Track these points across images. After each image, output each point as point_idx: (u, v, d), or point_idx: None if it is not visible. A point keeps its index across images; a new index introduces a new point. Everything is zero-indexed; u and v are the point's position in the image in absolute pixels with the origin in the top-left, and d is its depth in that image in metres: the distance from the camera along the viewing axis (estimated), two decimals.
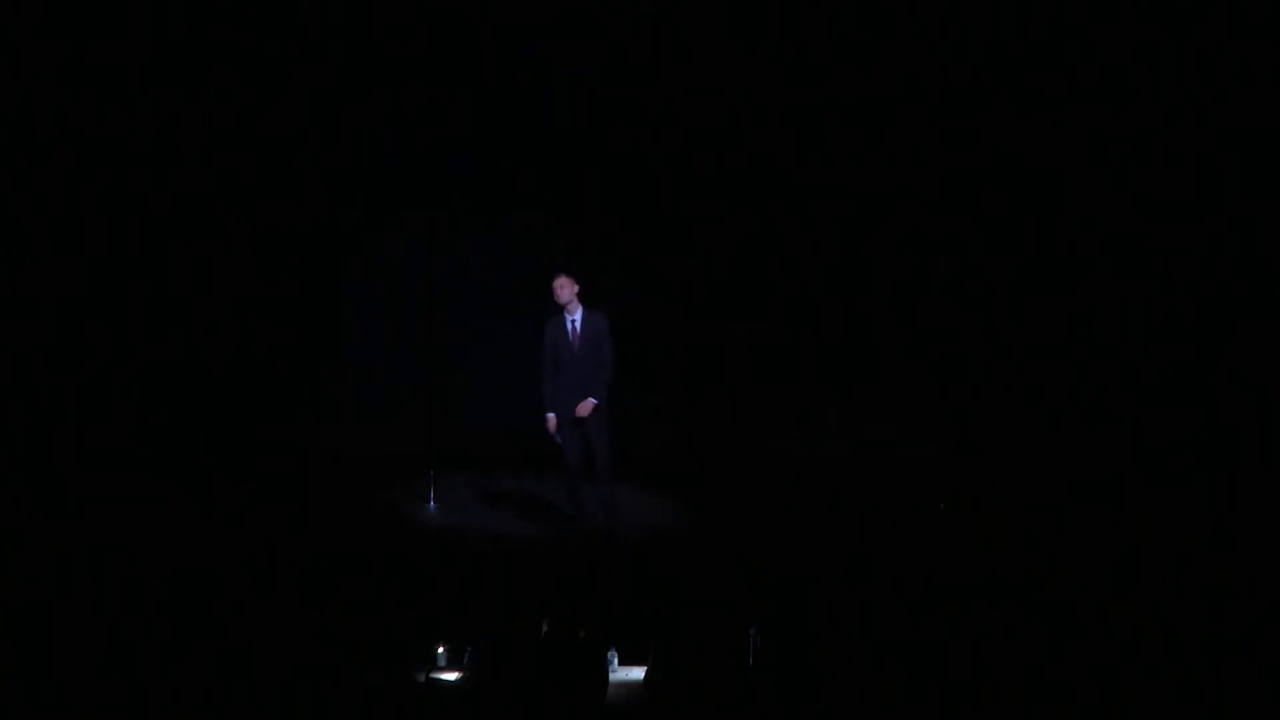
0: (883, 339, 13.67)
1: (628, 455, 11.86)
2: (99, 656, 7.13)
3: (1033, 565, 9.86)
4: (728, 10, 13.52)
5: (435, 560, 10.01)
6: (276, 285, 13.75)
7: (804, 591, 8.99)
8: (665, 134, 13.67)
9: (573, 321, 10.76)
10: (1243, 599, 8.75)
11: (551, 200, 13.73)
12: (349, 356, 13.84)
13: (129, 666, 6.95)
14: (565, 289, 10.69)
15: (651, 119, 13.66)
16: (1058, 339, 13.79)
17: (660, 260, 13.82)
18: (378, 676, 6.96)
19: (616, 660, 8.08)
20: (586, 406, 10.65)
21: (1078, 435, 13.82)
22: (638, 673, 7.87)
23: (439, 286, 12.09)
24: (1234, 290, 13.55)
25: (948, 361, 12.96)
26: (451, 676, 7.86)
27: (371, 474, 12.86)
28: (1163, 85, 13.24)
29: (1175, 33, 13.07)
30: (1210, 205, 13.44)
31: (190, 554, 10.15)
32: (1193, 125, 13.27)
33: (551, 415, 10.67)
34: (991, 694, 6.68)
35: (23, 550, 10.08)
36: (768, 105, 13.59)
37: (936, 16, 12.67)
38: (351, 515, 11.28)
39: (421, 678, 7.48)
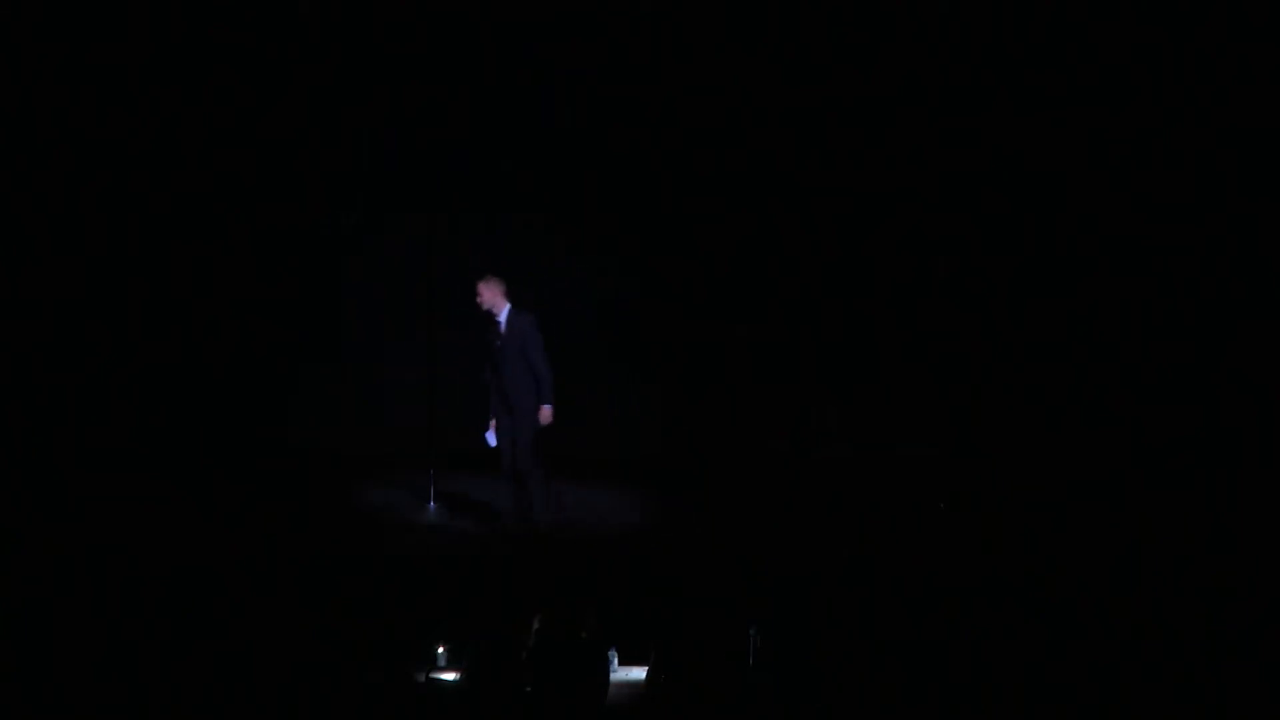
0: (883, 339, 13.66)
1: (627, 458, 11.91)
2: (99, 656, 7.13)
3: (1033, 565, 9.85)
4: (728, 10, 13.51)
5: (435, 560, 10.00)
6: (276, 285, 13.75)
7: (804, 591, 8.98)
8: (665, 134, 13.66)
9: (498, 323, 10.89)
10: (1243, 599, 8.75)
11: (551, 200, 13.72)
12: (349, 356, 13.83)
13: (129, 666, 6.95)
14: (483, 293, 10.86)
15: (651, 119, 13.65)
16: (1058, 339, 13.78)
17: (660, 260, 13.81)
18: (378, 676, 6.96)
19: (616, 660, 8.07)
20: (546, 414, 10.73)
21: (1078, 435, 13.81)
22: (638, 673, 7.86)
23: (439, 286, 12.07)
24: (1234, 290, 13.55)
25: (948, 361, 12.92)
26: (451, 676, 7.86)
27: (371, 474, 12.85)
28: (1163, 85, 13.23)
29: (1175, 33, 13.06)
30: (1210, 205, 13.44)
31: (190, 554, 10.15)
32: (1193, 125, 13.27)
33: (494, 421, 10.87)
34: (991, 694, 6.68)
35: (23, 550, 10.08)
36: (768, 105, 13.59)
37: (936, 16, 12.66)
38: (351, 515, 11.27)
39: (421, 678, 7.48)
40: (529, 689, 7.09)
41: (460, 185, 13.31)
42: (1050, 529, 10.94)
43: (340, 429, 13.80)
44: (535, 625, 7.57)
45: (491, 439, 10.96)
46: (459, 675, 7.63)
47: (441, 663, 8.13)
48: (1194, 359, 13.38)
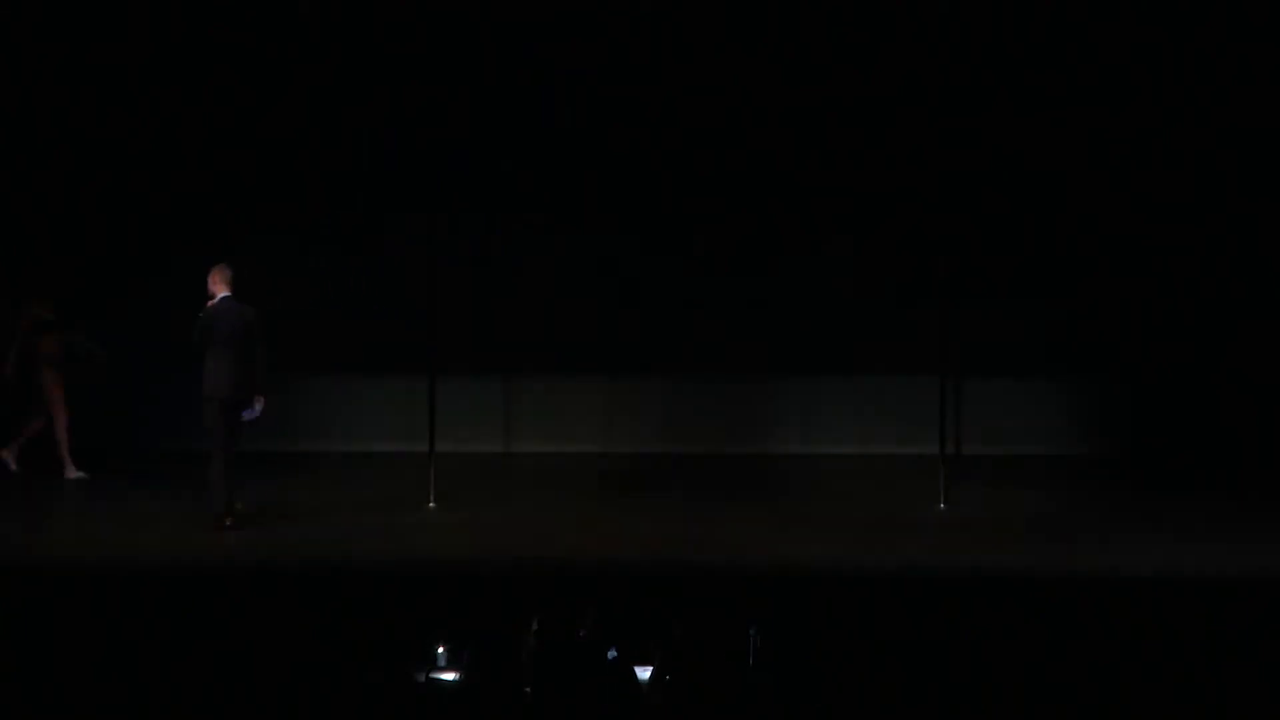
0: (883, 338, 13.66)
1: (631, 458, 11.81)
2: (99, 656, 7.13)
3: (1033, 565, 9.84)
4: (728, 10, 13.53)
5: (435, 561, 10.00)
6: (276, 285, 13.74)
7: (804, 591, 8.97)
8: (665, 134, 13.66)
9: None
10: (1243, 599, 8.75)
11: (551, 200, 13.72)
12: (349, 356, 13.83)
13: (129, 666, 6.95)
14: (209, 281, 10.90)
15: (652, 119, 13.66)
16: (1058, 339, 13.81)
17: (660, 260, 13.81)
18: (378, 676, 6.95)
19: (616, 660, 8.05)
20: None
21: (1079, 434, 13.82)
22: (638, 673, 7.85)
23: (439, 286, 12.06)
24: (1234, 290, 13.58)
25: (948, 360, 12.89)
26: (451, 676, 7.84)
27: (371, 474, 12.85)
28: (1163, 85, 13.25)
29: (1175, 33, 13.08)
30: (1210, 205, 13.47)
31: (189, 554, 10.16)
32: (1193, 125, 13.28)
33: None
34: (991, 694, 6.68)
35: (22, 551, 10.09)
36: (768, 105, 13.61)
37: (936, 16, 12.65)
38: (352, 515, 11.27)
39: (421, 678, 7.47)
40: (528, 689, 7.09)
41: (460, 185, 13.29)
42: (1050, 528, 10.93)
43: (340, 429, 13.82)
44: (534, 626, 7.56)
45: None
46: (459, 675, 7.62)
47: (442, 663, 8.13)
48: (1194, 359, 13.42)
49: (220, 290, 10.82)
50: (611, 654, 7.38)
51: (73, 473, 12.28)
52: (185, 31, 13.51)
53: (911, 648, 7.16)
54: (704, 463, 13.36)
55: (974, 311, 13.23)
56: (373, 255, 13.72)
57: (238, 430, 10.83)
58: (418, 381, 12.12)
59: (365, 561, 9.83)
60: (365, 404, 13.93)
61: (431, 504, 11.46)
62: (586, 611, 7.62)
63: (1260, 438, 13.42)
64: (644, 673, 7.20)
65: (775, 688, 6.88)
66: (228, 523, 10.67)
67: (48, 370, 12.11)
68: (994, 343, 13.61)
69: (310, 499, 11.89)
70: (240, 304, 10.84)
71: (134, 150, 13.61)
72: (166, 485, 11.95)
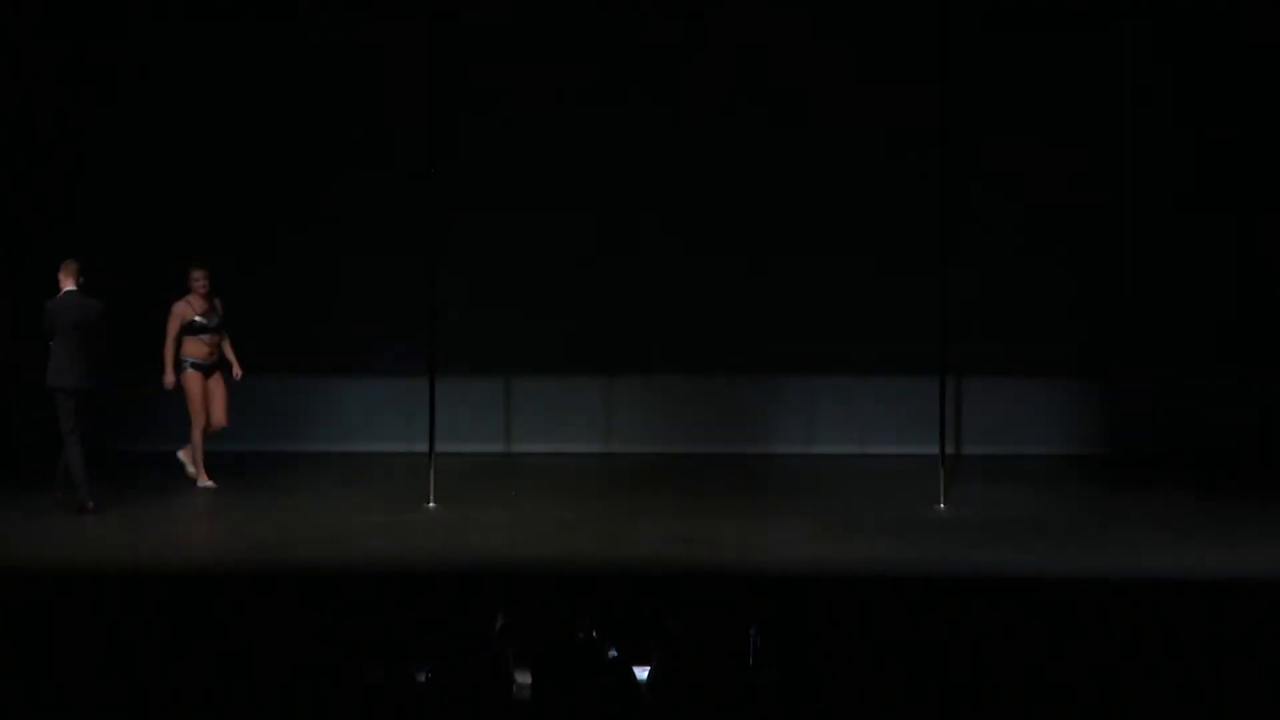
0: (883, 338, 13.66)
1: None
2: (99, 656, 7.13)
3: (1033, 565, 9.84)
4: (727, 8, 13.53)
5: (435, 560, 10.00)
6: (278, 285, 13.75)
7: (804, 591, 8.96)
8: (665, 132, 13.67)
9: None
10: (1243, 599, 8.74)
11: (551, 200, 13.72)
12: (350, 357, 13.82)
13: (129, 667, 6.95)
14: (59, 275, 11.13)
15: (651, 116, 13.68)
16: (1058, 339, 13.79)
17: (660, 259, 13.81)
18: (378, 676, 6.96)
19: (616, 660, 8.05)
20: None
21: (1080, 434, 13.81)
22: (638, 673, 7.85)
23: (439, 286, 12.06)
24: (1235, 290, 13.55)
25: (948, 360, 12.91)
26: (449, 676, 7.84)
27: (371, 474, 12.84)
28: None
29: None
30: (1209, 205, 13.46)
31: (190, 553, 10.17)
32: (1186, 122, 13.26)
33: None
34: (991, 694, 6.68)
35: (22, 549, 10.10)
36: (767, 104, 13.63)
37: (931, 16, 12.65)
38: (352, 516, 11.27)
39: (421, 678, 7.48)
40: (509, 688, 7.11)
41: (462, 185, 13.30)
42: (1051, 527, 10.93)
43: (341, 429, 13.82)
44: (499, 623, 7.59)
45: None
46: (457, 675, 7.62)
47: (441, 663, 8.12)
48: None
49: (67, 284, 11.10)
50: (611, 654, 7.38)
51: (203, 480, 11.98)
52: (185, 31, 13.54)
53: (911, 648, 7.15)
54: (704, 463, 13.36)
55: (974, 311, 13.23)
56: (373, 255, 13.73)
57: (82, 421, 11.02)
58: (418, 381, 12.11)
59: (365, 561, 9.83)
60: (365, 404, 13.93)
61: (431, 504, 11.45)
62: (586, 611, 7.62)
63: (1260, 438, 13.42)
64: (644, 673, 7.20)
65: (775, 688, 6.88)
66: (90, 505, 10.93)
67: (184, 373, 11.82)
68: (994, 343, 13.61)
69: (310, 499, 11.90)
70: (86, 298, 11.12)
71: (137, 150, 13.61)
72: (160, 486, 11.98)
